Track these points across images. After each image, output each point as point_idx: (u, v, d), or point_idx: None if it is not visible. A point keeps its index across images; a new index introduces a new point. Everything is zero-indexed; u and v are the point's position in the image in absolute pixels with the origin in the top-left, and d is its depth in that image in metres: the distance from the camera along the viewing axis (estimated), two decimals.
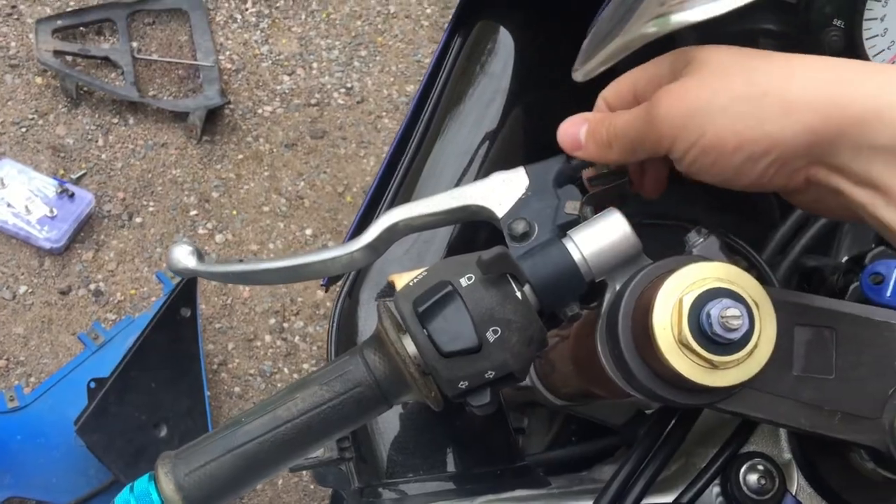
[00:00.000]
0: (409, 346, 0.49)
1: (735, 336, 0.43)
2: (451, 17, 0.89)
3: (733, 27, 0.67)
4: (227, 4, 2.19)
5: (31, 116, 1.99)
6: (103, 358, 1.58)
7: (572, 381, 0.70)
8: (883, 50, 0.66)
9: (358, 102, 2.13)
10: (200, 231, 1.96)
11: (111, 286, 1.88)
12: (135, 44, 2.08)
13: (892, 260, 0.55)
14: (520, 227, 0.51)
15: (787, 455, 0.58)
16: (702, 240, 0.50)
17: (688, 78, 0.45)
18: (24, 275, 1.86)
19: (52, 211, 1.84)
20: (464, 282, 0.48)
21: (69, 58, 2.01)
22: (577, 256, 0.49)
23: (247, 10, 2.19)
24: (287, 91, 2.12)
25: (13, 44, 2.06)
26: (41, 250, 1.86)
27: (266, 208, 2.00)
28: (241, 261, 0.55)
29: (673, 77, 0.46)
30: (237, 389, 1.85)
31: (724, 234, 0.57)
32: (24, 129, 1.98)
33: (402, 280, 0.52)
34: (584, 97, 0.53)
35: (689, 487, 0.57)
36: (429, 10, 2.26)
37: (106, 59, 2.02)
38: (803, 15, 0.66)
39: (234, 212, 1.99)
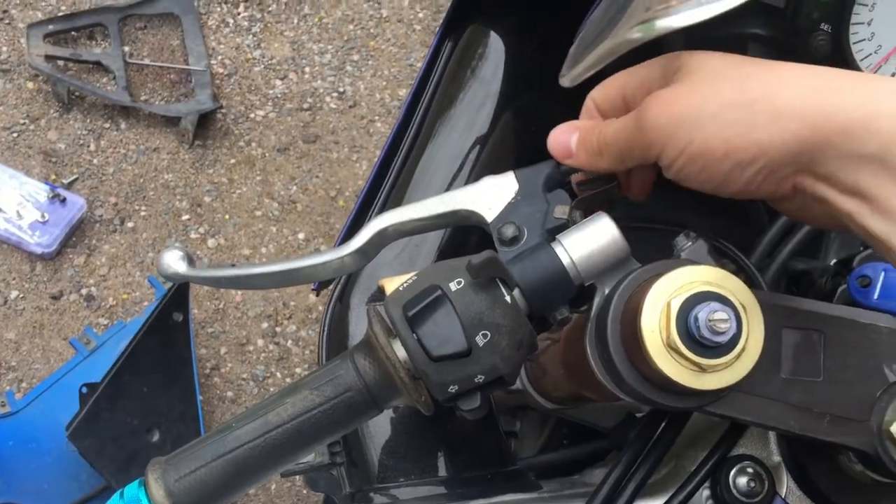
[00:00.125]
0: (399, 351, 0.49)
1: (723, 339, 0.43)
2: (441, 21, 0.89)
3: (721, 31, 0.67)
4: (219, 9, 2.18)
5: (22, 121, 1.99)
6: (95, 363, 1.58)
7: (563, 384, 0.70)
8: (870, 54, 0.66)
9: (350, 107, 2.13)
10: (192, 235, 1.96)
11: (103, 291, 1.87)
12: (126, 48, 2.07)
13: (878, 263, 0.56)
14: (509, 231, 0.51)
15: (777, 458, 0.58)
16: (690, 243, 0.50)
17: (678, 84, 0.45)
18: (15, 280, 1.85)
19: (43, 216, 1.83)
20: (453, 286, 0.48)
21: (61, 62, 2.01)
22: (566, 260, 0.49)
23: (239, 14, 2.19)
24: (279, 95, 2.12)
25: (4, 49, 2.05)
26: (33, 255, 1.85)
27: (258, 212, 2.00)
28: (232, 265, 0.55)
29: (663, 83, 0.46)
30: (230, 394, 1.84)
31: (713, 237, 0.58)
32: (15, 134, 1.97)
33: (391, 284, 0.52)
34: (574, 101, 0.53)
35: (679, 491, 0.57)
36: (421, 14, 2.27)
37: (97, 64, 2.02)
38: (791, 19, 0.66)
39: (227, 216, 1.99)
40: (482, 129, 0.82)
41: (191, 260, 0.55)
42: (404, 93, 2.16)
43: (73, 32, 2.05)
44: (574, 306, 0.52)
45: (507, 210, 0.52)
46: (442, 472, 0.70)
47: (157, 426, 1.52)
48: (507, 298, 0.48)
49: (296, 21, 2.21)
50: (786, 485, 0.58)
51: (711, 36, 0.66)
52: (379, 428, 0.70)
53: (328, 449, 0.67)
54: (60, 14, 2.07)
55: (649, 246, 0.54)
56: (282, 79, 2.14)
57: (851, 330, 0.49)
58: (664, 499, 0.58)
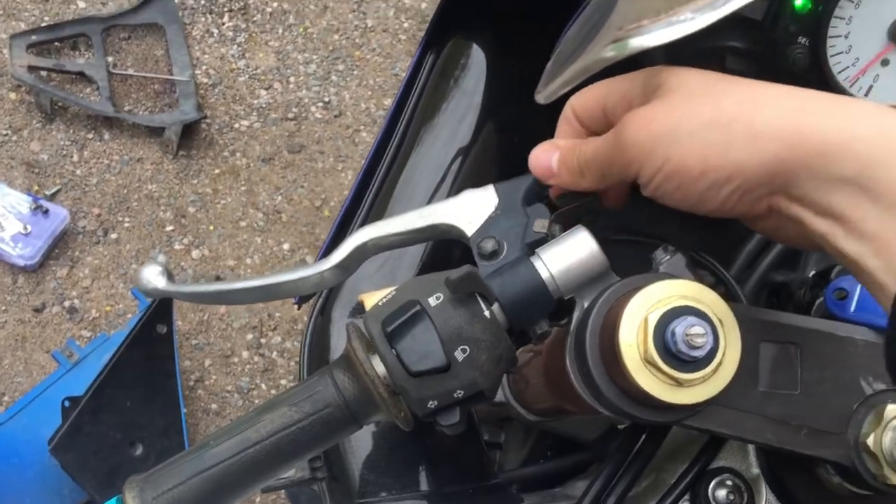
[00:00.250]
0: (378, 366, 0.49)
1: (700, 353, 0.43)
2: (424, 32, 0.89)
3: (700, 44, 0.67)
4: (203, 19, 2.18)
5: (4, 132, 1.98)
6: (78, 376, 1.57)
7: (545, 396, 0.70)
8: (848, 67, 0.67)
9: (335, 116, 2.13)
10: (177, 246, 1.95)
11: (86, 303, 1.86)
12: (110, 58, 2.07)
13: None
14: (489, 245, 0.51)
15: (756, 470, 0.59)
16: (668, 257, 0.50)
17: (656, 102, 0.45)
18: None
19: (25, 228, 1.82)
20: (432, 301, 0.48)
21: (44, 73, 2.00)
22: (545, 274, 0.50)
23: (223, 24, 2.19)
24: (264, 105, 2.11)
25: None
26: (15, 267, 1.84)
27: (243, 223, 1.99)
28: (218, 277, 0.55)
29: (644, 99, 0.46)
30: (214, 406, 1.83)
31: (693, 250, 0.58)
32: None
33: (371, 299, 0.52)
34: (555, 114, 0.53)
35: (660, 503, 0.57)
36: (406, 24, 2.27)
37: (81, 75, 2.01)
38: (769, 32, 0.66)
39: (211, 227, 1.98)
40: (464, 141, 0.82)
41: (170, 275, 0.55)
42: (390, 102, 2.16)
43: (56, 43, 2.04)
44: (554, 320, 0.52)
45: (487, 224, 0.53)
46: (423, 486, 0.70)
47: (141, 440, 1.51)
48: (486, 313, 0.48)
49: (280, 31, 2.21)
50: (765, 497, 0.58)
51: (692, 49, 0.67)
52: (360, 442, 0.70)
53: (309, 464, 0.67)
54: (43, 24, 2.06)
55: (631, 258, 0.54)
56: (266, 89, 2.14)
57: (828, 343, 0.50)
58: None
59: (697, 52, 0.68)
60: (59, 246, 1.88)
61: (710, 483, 0.57)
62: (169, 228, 1.96)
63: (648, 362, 0.44)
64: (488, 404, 0.77)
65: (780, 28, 0.66)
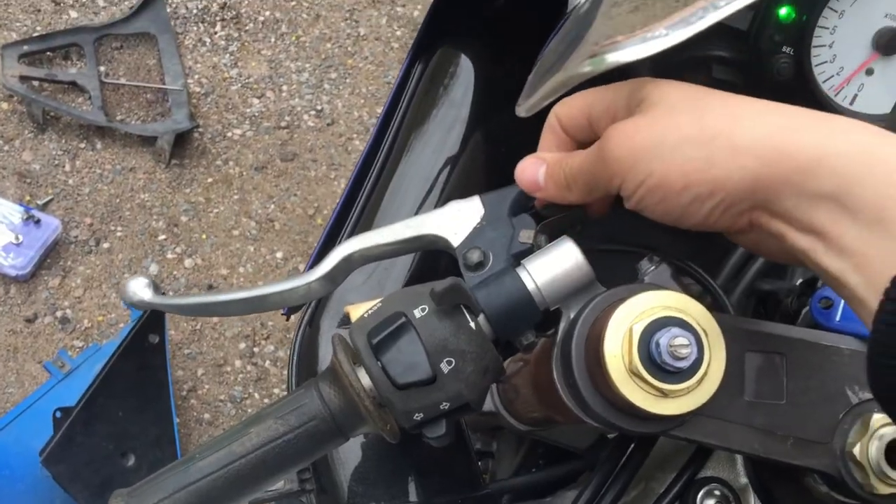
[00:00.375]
0: (364, 379, 0.49)
1: (684, 364, 0.43)
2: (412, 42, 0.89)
3: (686, 54, 0.68)
4: (195, 28, 2.18)
5: None
6: (70, 386, 1.56)
7: (535, 406, 0.70)
8: (832, 76, 0.67)
9: (328, 125, 2.13)
10: (169, 256, 1.95)
11: (78, 313, 1.86)
12: (102, 68, 2.07)
13: None
14: (474, 256, 0.51)
15: (744, 479, 0.59)
16: (653, 267, 0.50)
17: (639, 116, 0.45)
18: None
19: (17, 238, 1.81)
20: (417, 313, 0.48)
21: (36, 83, 2.00)
22: (530, 286, 0.50)
23: (216, 33, 2.19)
24: (257, 114, 2.11)
25: None
26: (6, 277, 1.84)
27: (236, 232, 1.99)
28: (211, 287, 0.55)
29: (627, 112, 0.47)
30: (207, 416, 1.83)
31: (680, 259, 0.58)
32: None
33: (357, 311, 0.52)
34: (542, 125, 0.53)
35: None
36: (398, 33, 2.28)
37: (73, 84, 2.01)
38: (754, 42, 0.67)
39: (204, 236, 1.98)
40: (452, 150, 0.82)
41: (156, 287, 0.55)
42: None
43: (48, 53, 2.04)
44: (541, 330, 0.52)
45: (473, 235, 0.53)
46: (413, 497, 0.70)
47: (133, 450, 1.50)
48: (472, 325, 0.48)
49: (273, 40, 2.21)
50: None
51: (677, 59, 0.67)
52: (349, 453, 0.70)
53: (298, 476, 0.66)
54: (35, 34, 2.06)
55: (616, 269, 0.54)
56: (259, 97, 2.14)
57: (814, 352, 0.50)
58: None
59: (684, 61, 0.68)
60: (51, 256, 1.88)
61: (698, 492, 0.57)
62: (161, 237, 1.96)
63: (633, 373, 0.44)
64: (478, 414, 0.77)
65: (765, 37, 0.66)
